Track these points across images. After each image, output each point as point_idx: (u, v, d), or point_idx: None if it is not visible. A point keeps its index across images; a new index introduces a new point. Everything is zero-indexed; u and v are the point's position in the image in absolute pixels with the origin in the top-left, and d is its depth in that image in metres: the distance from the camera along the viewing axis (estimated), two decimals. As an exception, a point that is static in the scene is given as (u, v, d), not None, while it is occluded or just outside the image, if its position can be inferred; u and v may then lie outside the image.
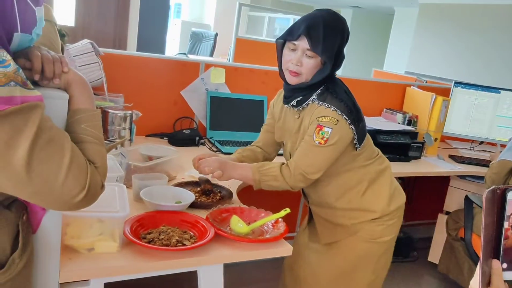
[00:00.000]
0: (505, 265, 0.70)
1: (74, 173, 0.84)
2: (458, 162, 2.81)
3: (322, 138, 1.53)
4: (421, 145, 2.71)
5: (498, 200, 0.69)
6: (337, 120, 1.54)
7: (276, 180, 1.57)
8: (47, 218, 1.00)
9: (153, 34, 6.47)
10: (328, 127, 1.53)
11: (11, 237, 0.91)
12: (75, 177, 0.85)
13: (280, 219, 1.45)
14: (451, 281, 2.80)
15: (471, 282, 0.75)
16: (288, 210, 1.46)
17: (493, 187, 0.70)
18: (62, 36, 1.96)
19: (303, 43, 1.52)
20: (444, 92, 3.14)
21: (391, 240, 1.76)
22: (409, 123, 2.94)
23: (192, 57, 7.28)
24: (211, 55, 7.52)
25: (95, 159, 0.92)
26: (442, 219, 2.92)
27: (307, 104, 1.60)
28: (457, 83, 3.07)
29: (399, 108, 3.11)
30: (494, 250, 0.70)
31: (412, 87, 3.12)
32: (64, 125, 0.94)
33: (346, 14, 13.90)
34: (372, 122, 2.64)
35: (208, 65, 2.41)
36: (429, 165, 2.67)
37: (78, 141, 0.91)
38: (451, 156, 2.91)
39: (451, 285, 2.84)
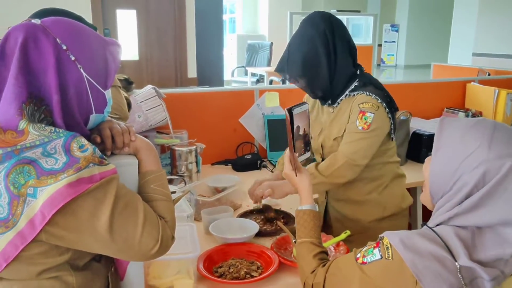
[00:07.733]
0: (297, 154, 1.29)
1: (148, 230, 0.98)
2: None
3: (365, 123, 1.58)
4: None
5: (290, 117, 1.21)
6: (378, 107, 1.59)
7: (314, 177, 1.58)
8: (131, 266, 1.15)
9: (210, 52, 6.70)
10: (371, 112, 1.58)
11: (103, 287, 1.07)
12: (149, 233, 0.98)
13: (341, 242, 1.52)
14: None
15: (285, 170, 1.32)
16: (348, 233, 1.51)
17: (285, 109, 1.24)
18: (129, 83, 2.17)
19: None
20: (509, 84, 3.01)
21: None
22: (473, 121, 2.86)
23: (250, 69, 7.49)
24: (269, 64, 7.66)
25: (165, 215, 1.05)
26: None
27: (341, 100, 1.66)
28: (522, 73, 2.94)
29: (461, 106, 3.03)
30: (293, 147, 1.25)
31: (472, 83, 3.03)
32: (136, 185, 1.09)
33: (403, 3, 13.40)
34: (430, 126, 2.60)
35: (262, 91, 2.52)
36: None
37: (149, 200, 1.05)
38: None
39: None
